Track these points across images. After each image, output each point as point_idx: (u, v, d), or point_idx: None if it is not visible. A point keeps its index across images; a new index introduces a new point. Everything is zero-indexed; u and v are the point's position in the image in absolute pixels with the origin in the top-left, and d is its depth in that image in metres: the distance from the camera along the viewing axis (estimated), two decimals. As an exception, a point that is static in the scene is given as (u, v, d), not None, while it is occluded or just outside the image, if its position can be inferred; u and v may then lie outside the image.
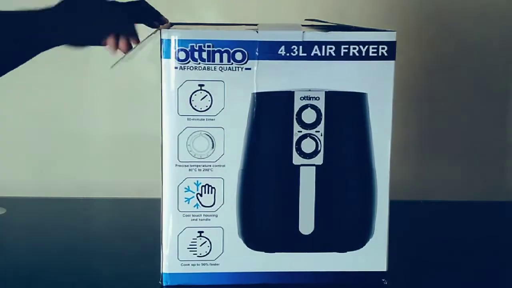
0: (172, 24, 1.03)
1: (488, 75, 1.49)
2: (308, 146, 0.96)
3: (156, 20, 1.02)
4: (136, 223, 1.31)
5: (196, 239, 0.97)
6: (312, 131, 0.95)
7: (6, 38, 0.86)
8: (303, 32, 0.93)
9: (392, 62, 0.95)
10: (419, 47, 1.47)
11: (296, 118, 0.95)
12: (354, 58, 0.94)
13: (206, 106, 0.94)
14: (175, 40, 0.92)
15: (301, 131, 0.95)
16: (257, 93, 0.94)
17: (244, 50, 0.93)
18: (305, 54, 0.93)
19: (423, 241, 1.21)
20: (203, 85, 0.93)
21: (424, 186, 1.50)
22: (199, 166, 0.95)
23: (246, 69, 0.93)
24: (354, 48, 0.94)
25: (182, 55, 0.93)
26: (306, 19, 0.94)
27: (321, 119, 0.95)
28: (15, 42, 0.87)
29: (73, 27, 0.91)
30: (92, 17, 0.93)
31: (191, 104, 0.94)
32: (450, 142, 1.51)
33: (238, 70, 0.93)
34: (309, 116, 0.95)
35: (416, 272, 1.08)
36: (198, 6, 1.46)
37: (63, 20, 0.90)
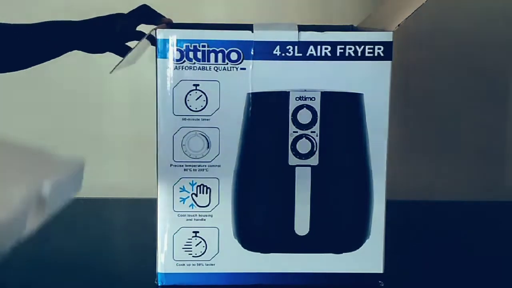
0: (170, 25, 1.03)
1: (488, 75, 1.49)
2: (303, 146, 0.95)
3: (158, 21, 1.03)
4: (135, 223, 1.31)
5: (191, 239, 0.97)
6: (308, 132, 0.95)
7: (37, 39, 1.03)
8: (299, 32, 0.93)
9: (388, 62, 0.94)
10: (419, 47, 1.47)
11: (291, 119, 0.94)
12: (350, 58, 0.93)
13: (201, 106, 0.94)
14: (170, 40, 0.92)
15: (296, 132, 0.95)
16: (252, 93, 0.93)
17: (239, 50, 0.92)
18: (300, 54, 0.93)
19: (421, 241, 1.20)
20: (198, 85, 0.93)
21: (424, 186, 1.49)
22: (194, 166, 0.95)
23: (241, 69, 0.93)
24: (350, 48, 0.93)
25: (177, 55, 0.93)
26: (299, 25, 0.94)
27: (316, 119, 0.95)
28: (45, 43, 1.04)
29: (89, 39, 1.05)
30: (105, 31, 1.05)
31: (186, 104, 0.94)
32: (450, 142, 1.51)
33: (233, 70, 0.93)
34: (304, 116, 0.94)
35: (413, 273, 1.07)
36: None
37: (81, 32, 1.04)
